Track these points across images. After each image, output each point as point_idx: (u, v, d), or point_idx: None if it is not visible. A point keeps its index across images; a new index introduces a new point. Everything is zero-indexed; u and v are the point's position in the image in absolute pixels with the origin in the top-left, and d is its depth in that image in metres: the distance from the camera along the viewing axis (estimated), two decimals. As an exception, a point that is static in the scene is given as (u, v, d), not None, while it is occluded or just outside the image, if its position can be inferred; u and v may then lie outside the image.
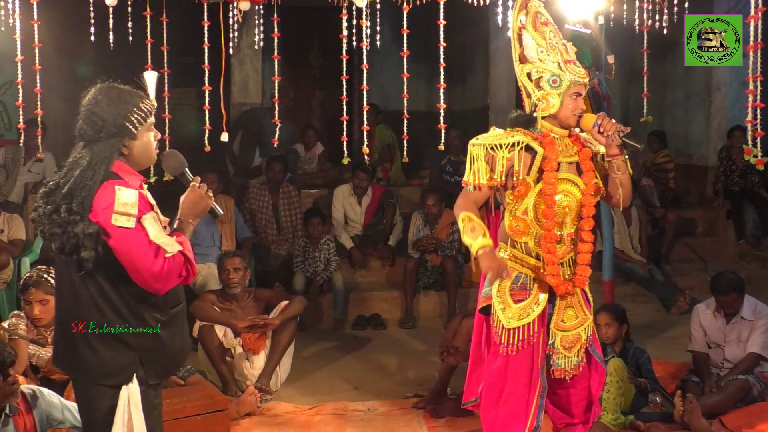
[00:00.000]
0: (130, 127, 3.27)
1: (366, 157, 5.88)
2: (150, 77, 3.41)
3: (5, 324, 5.09)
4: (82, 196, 3.14)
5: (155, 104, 3.41)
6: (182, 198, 3.47)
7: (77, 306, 3.27)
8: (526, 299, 4.15)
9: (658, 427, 5.31)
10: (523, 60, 4.20)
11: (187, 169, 3.54)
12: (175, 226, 3.43)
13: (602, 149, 4.15)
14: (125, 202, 3.14)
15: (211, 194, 3.50)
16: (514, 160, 4.03)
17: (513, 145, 4.03)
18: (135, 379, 3.29)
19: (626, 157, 4.10)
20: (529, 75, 4.15)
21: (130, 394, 3.26)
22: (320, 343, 7.48)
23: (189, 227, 3.43)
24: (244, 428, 5.48)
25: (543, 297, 4.16)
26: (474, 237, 3.97)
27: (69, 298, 3.31)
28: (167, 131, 5.90)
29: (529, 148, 4.06)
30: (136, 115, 3.28)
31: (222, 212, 3.67)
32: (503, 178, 4.05)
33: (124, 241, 3.14)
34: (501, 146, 4.04)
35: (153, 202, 3.35)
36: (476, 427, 4.60)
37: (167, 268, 3.18)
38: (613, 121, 3.98)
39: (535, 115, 4.14)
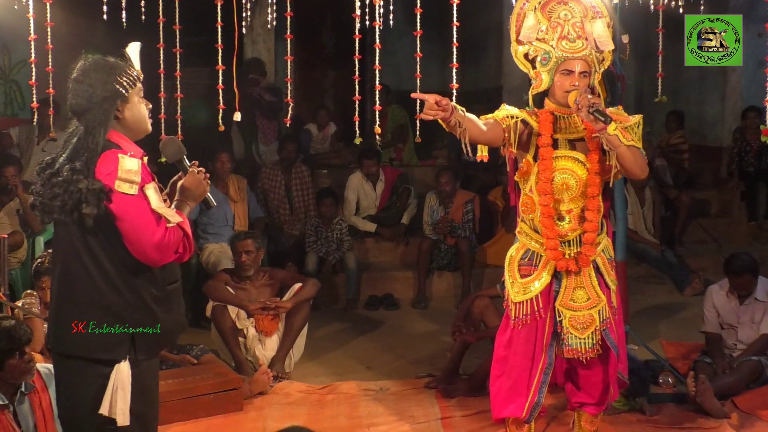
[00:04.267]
0: (121, 89, 3.25)
1: (378, 137, 5.86)
2: (132, 49, 3.40)
3: (19, 303, 5.13)
4: (84, 157, 3.14)
5: (142, 74, 3.38)
6: (180, 181, 3.46)
7: (69, 279, 3.25)
8: (531, 274, 4.25)
9: (670, 408, 5.31)
10: (520, 41, 4.29)
11: (185, 156, 3.51)
12: (174, 205, 3.41)
13: (626, 124, 4.16)
14: (128, 169, 3.14)
15: (209, 180, 3.49)
16: (509, 129, 4.16)
17: (509, 117, 4.18)
18: (126, 360, 3.24)
19: (615, 128, 4.02)
20: (526, 55, 4.25)
21: (119, 376, 3.21)
22: (333, 323, 7.50)
23: (186, 207, 3.42)
24: (256, 407, 5.51)
25: (546, 273, 4.23)
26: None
27: (63, 273, 3.28)
28: (179, 111, 5.89)
29: (526, 124, 4.19)
30: (125, 79, 3.28)
31: (215, 204, 3.69)
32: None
33: (126, 207, 3.14)
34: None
35: (153, 176, 3.34)
36: (488, 407, 4.61)
37: (167, 239, 3.17)
38: (589, 96, 4.00)
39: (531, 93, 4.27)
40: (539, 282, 4.22)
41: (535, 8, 4.23)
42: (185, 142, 3.62)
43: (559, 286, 4.25)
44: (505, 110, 4.23)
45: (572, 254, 4.22)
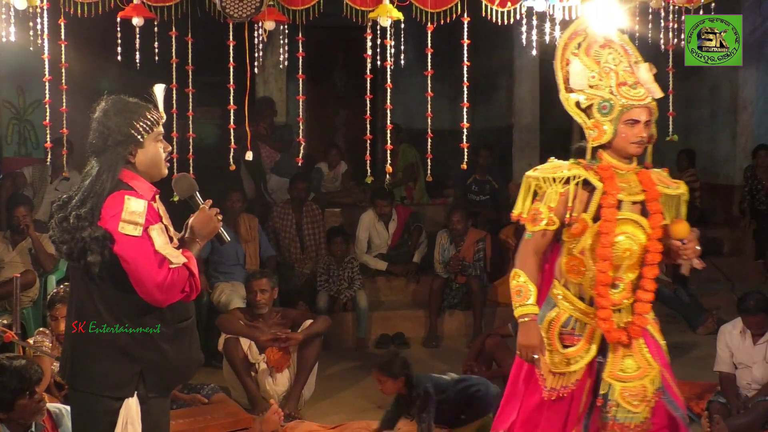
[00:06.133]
0: (136, 134, 3.30)
1: (388, 176, 5.89)
2: (159, 90, 3.46)
3: (30, 341, 5.13)
4: (91, 203, 3.20)
5: (164, 116, 3.43)
6: (191, 219, 3.48)
7: (81, 316, 3.30)
8: (574, 345, 3.89)
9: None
10: (569, 89, 3.93)
11: (197, 192, 3.54)
12: (184, 236, 3.44)
13: (672, 191, 3.94)
14: (133, 211, 3.18)
15: (220, 218, 3.50)
16: (568, 195, 3.78)
17: (569, 179, 3.78)
18: (135, 396, 3.27)
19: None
20: (578, 104, 3.87)
21: (128, 412, 3.24)
22: (343, 362, 7.47)
23: (195, 246, 3.44)
24: (267, 447, 5.48)
25: (593, 346, 3.88)
26: (519, 301, 3.79)
27: (77, 309, 3.34)
28: (191, 150, 5.94)
29: (587, 184, 3.79)
30: (142, 123, 3.32)
31: (229, 239, 3.65)
32: (558, 216, 3.79)
33: (130, 249, 3.17)
34: (555, 180, 3.79)
35: (163, 214, 3.36)
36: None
37: (170, 279, 3.19)
38: (698, 247, 3.81)
39: (585, 144, 3.86)
40: (585, 355, 3.88)
41: (576, 53, 3.92)
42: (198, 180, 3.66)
43: (605, 356, 3.88)
44: (557, 171, 3.81)
45: (622, 324, 3.87)
